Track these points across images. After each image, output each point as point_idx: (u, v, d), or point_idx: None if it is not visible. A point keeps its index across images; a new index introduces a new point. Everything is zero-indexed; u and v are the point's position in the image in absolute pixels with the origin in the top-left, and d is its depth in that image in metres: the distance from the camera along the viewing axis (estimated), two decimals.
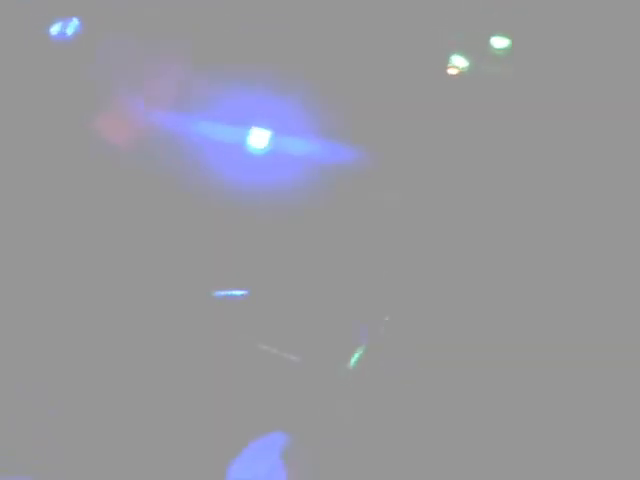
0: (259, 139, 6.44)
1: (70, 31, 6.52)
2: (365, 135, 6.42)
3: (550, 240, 6.12)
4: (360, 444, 5.36)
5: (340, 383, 5.21)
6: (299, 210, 6.41)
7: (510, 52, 6.29)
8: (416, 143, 6.50)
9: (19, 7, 6.40)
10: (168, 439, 5.58)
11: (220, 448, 5.03)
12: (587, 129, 6.23)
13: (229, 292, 6.00)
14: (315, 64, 6.46)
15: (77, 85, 6.44)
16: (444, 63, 6.38)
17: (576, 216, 6.15)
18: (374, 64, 6.46)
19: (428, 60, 6.40)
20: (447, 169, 6.48)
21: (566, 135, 6.27)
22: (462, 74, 6.38)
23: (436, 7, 6.37)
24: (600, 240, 6.00)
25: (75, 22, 6.52)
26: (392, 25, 6.40)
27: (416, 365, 5.84)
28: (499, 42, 6.29)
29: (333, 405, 5.00)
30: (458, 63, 6.38)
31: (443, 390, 5.79)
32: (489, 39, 6.30)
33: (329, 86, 6.46)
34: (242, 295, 5.94)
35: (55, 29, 6.52)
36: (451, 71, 6.40)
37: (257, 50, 6.46)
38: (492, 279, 6.13)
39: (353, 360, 4.76)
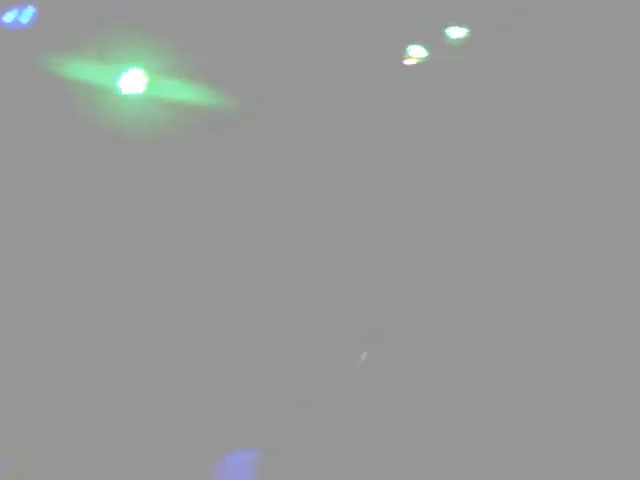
0: (134, 81, 6.23)
1: (25, 19, 6.39)
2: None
3: (539, 239, 6.18)
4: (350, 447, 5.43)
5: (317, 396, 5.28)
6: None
7: (467, 42, 6.32)
8: (373, 132, 6.54)
9: None
10: (145, 450, 5.64)
11: (194, 462, 5.11)
12: (545, 117, 6.31)
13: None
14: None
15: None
16: (401, 53, 6.41)
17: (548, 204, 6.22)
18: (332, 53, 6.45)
19: (385, 50, 6.41)
20: (403, 158, 6.54)
21: (525, 123, 6.34)
22: (419, 64, 6.41)
23: None
24: (595, 238, 6.07)
25: (30, 10, 6.39)
26: (350, 14, 6.39)
27: (415, 365, 5.90)
28: (456, 32, 6.32)
29: (307, 419, 5.08)
30: (415, 53, 6.41)
31: (442, 390, 5.86)
32: (446, 29, 6.32)
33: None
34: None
35: (9, 17, 6.39)
36: (408, 61, 6.42)
37: None
38: (487, 278, 6.18)
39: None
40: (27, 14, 6.41)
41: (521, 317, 6.05)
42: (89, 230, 6.35)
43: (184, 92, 6.30)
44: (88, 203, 6.35)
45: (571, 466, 5.53)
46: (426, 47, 6.40)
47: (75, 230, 6.35)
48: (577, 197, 6.16)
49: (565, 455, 5.59)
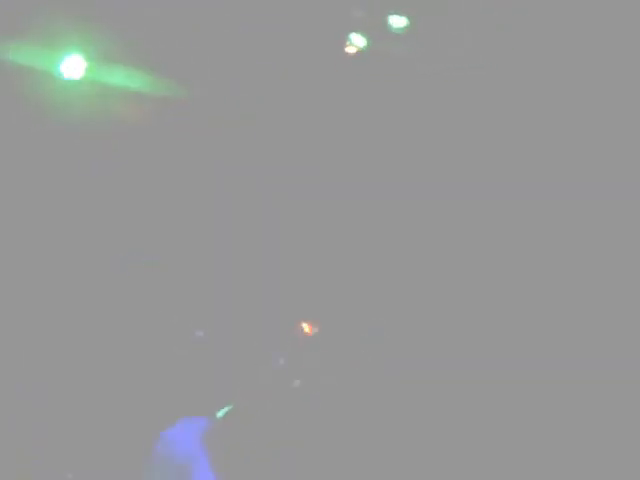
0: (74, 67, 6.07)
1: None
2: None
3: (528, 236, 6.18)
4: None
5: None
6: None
7: (408, 31, 6.30)
8: (311, 120, 6.47)
9: None
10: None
11: (140, 429, 4.97)
12: (492, 109, 6.31)
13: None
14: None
15: None
16: (343, 42, 6.36)
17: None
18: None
19: (327, 38, 6.36)
20: (343, 146, 6.48)
21: (474, 115, 6.33)
22: (360, 53, 6.37)
23: None
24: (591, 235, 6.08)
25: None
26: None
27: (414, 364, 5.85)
28: (397, 21, 6.30)
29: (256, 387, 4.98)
30: (356, 42, 6.36)
31: (442, 389, 5.81)
32: (387, 18, 6.29)
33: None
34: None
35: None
36: (349, 50, 6.37)
37: None
38: (488, 277, 6.15)
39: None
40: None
41: (521, 317, 6.07)
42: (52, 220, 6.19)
43: (123, 78, 6.18)
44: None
45: (571, 466, 5.55)
46: (366, 36, 6.37)
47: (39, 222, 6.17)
48: (575, 195, 6.15)
49: (565, 455, 5.63)
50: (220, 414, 4.41)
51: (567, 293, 6.02)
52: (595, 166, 6.06)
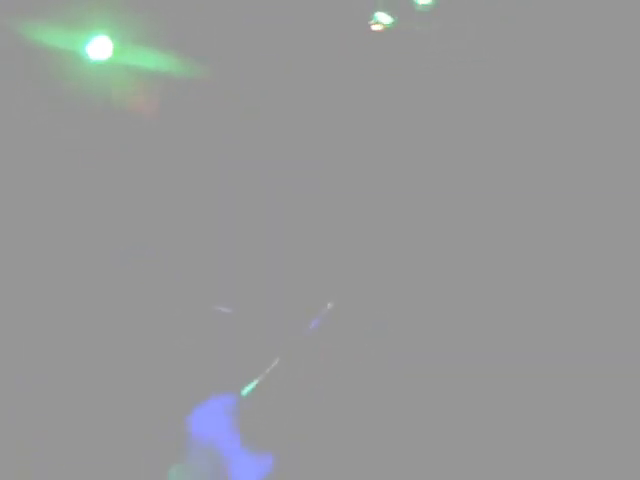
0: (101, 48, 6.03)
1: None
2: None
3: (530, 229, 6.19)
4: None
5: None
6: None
7: (434, 8, 6.28)
8: (341, 101, 6.46)
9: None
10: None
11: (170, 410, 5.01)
12: (513, 84, 6.30)
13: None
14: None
15: None
16: (368, 20, 6.33)
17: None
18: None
19: (352, 16, 6.33)
20: (371, 128, 6.47)
21: (495, 95, 6.32)
22: (386, 30, 6.35)
23: None
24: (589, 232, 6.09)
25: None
26: None
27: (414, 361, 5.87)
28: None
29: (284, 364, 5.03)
30: (382, 20, 6.34)
31: (443, 388, 5.84)
32: None
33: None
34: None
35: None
36: (375, 27, 6.35)
37: None
38: (488, 277, 6.16)
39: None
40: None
41: (521, 317, 6.08)
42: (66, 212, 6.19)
43: (150, 59, 6.17)
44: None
45: (571, 466, 5.58)
46: (392, 14, 6.35)
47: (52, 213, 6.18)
48: (575, 194, 6.16)
49: (565, 455, 5.64)
50: (245, 392, 4.50)
51: (567, 291, 6.05)
52: (595, 166, 6.10)
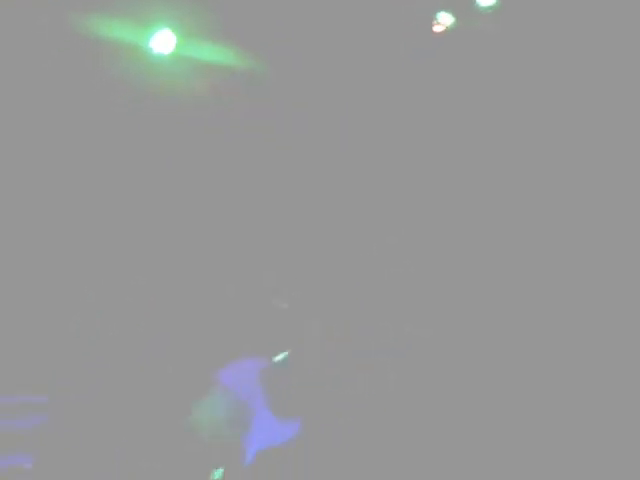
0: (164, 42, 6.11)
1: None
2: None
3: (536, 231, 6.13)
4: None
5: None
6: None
7: (497, 9, 6.28)
8: (402, 100, 6.48)
9: None
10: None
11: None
12: (574, 88, 6.24)
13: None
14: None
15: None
16: (430, 20, 6.36)
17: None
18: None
19: (414, 17, 6.37)
20: (432, 127, 6.47)
21: (553, 94, 6.27)
22: (448, 31, 6.36)
23: None
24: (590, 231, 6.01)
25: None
26: None
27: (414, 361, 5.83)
28: (485, 0, 6.28)
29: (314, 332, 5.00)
30: (444, 20, 6.35)
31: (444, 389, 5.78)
32: None
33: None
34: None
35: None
36: (437, 28, 6.37)
37: None
38: (488, 277, 6.11)
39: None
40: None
41: (522, 317, 5.96)
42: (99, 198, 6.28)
43: (212, 53, 6.27)
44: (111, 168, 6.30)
45: (571, 466, 5.46)
46: (454, 14, 6.36)
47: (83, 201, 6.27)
48: (577, 194, 6.05)
49: (565, 455, 5.53)
50: (278, 358, 4.47)
51: (567, 290, 5.94)
52: (595, 165, 5.99)
